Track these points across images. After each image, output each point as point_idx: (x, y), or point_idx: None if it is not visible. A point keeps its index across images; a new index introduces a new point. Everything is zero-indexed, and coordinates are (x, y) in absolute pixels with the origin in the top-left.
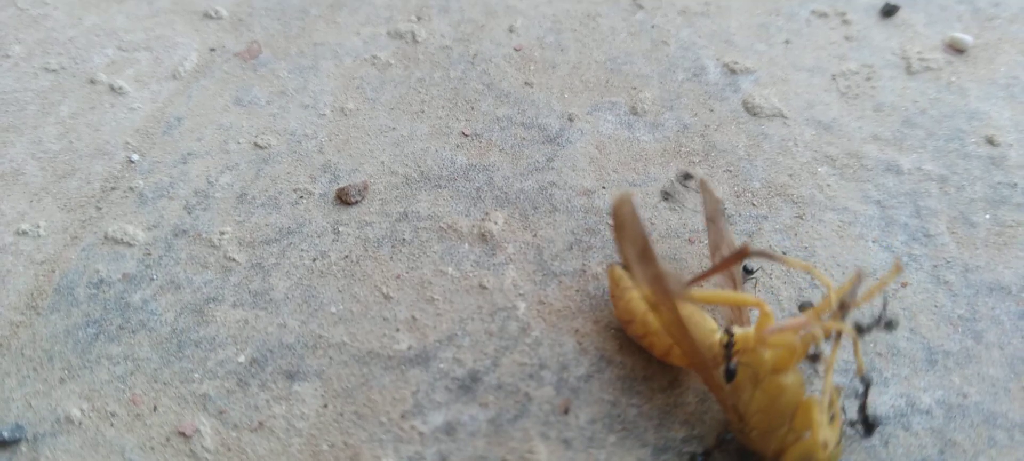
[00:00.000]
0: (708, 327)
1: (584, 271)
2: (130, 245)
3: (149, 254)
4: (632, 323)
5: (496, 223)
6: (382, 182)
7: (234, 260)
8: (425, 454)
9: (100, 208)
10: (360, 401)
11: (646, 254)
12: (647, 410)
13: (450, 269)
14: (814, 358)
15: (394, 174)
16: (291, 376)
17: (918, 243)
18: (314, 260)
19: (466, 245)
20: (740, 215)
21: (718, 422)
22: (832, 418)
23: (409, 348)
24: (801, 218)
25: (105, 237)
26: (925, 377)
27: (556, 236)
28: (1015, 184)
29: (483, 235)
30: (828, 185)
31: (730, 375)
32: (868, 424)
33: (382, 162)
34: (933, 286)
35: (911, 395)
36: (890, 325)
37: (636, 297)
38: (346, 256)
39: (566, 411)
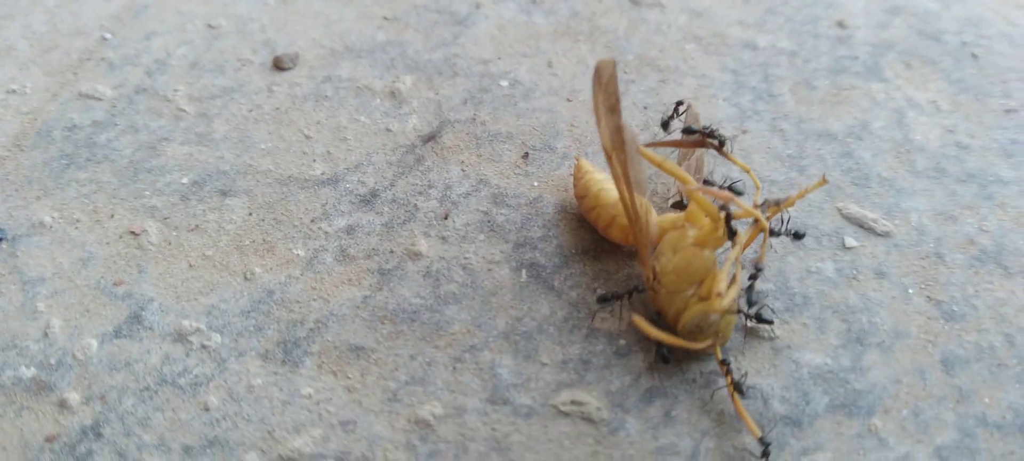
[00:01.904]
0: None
1: (474, 119)
2: (99, 100)
3: (114, 106)
4: (586, 198)
5: (405, 84)
6: (312, 53)
7: (184, 110)
8: (328, 247)
9: (76, 74)
10: (279, 211)
11: (614, 109)
12: (513, 217)
13: (363, 117)
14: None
15: (322, 48)
16: (224, 193)
17: (762, 101)
18: (250, 111)
19: (378, 100)
20: None
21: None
22: (733, 285)
23: (322, 173)
24: (664, 82)
25: (79, 94)
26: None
27: (454, 94)
28: (857, 57)
29: (393, 93)
30: (692, 58)
31: (732, 234)
32: (751, 301)
33: (313, 39)
34: (769, 133)
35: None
36: (797, 235)
37: (593, 179)
38: (277, 108)
39: (446, 217)
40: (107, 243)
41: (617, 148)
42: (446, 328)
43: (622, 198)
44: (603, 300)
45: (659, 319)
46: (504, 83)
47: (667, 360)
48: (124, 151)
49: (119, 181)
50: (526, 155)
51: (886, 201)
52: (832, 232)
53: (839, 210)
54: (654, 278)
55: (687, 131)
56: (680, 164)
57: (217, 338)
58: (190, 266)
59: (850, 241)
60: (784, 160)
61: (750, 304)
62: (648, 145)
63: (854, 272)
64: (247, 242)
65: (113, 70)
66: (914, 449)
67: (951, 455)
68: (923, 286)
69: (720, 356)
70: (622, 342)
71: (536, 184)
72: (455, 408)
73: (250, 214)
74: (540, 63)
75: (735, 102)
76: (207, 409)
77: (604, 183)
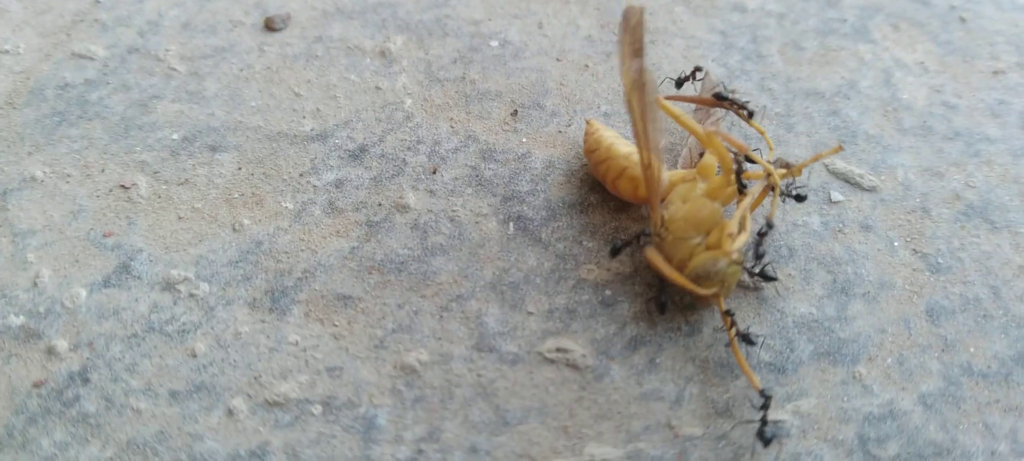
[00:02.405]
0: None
1: (463, 78)
2: (92, 59)
3: (107, 66)
4: (596, 152)
5: (395, 44)
6: (304, 14)
7: (175, 70)
8: (317, 199)
9: (69, 34)
10: (268, 165)
11: (638, 52)
12: (501, 172)
13: (353, 76)
14: (742, 188)
15: (314, 9)
16: (214, 149)
17: (751, 61)
18: (241, 70)
19: (368, 59)
20: (602, 40)
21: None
22: (742, 233)
23: (312, 129)
24: (653, 43)
25: (72, 54)
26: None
27: (444, 53)
28: (846, 20)
29: (383, 52)
30: (681, 19)
31: (742, 187)
32: (758, 255)
33: (306, 1)
34: (758, 92)
35: None
36: (800, 198)
37: (604, 136)
38: (267, 67)
39: (434, 172)
40: (97, 196)
41: (637, 89)
42: (433, 278)
43: (637, 141)
44: (615, 251)
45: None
46: (494, 43)
47: (663, 310)
48: (116, 108)
49: (110, 137)
50: (515, 112)
51: (873, 157)
52: (818, 187)
53: (826, 166)
54: (662, 225)
55: (718, 97)
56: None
57: (205, 287)
58: (179, 218)
59: (836, 195)
60: (772, 118)
61: (758, 257)
62: (668, 97)
63: (840, 225)
64: (236, 195)
65: (106, 31)
66: (898, 396)
67: (936, 402)
68: (909, 239)
69: (723, 307)
70: (608, 292)
71: (524, 140)
72: (441, 355)
73: (239, 168)
74: (530, 24)
75: (724, 62)
76: (194, 355)
77: (614, 140)
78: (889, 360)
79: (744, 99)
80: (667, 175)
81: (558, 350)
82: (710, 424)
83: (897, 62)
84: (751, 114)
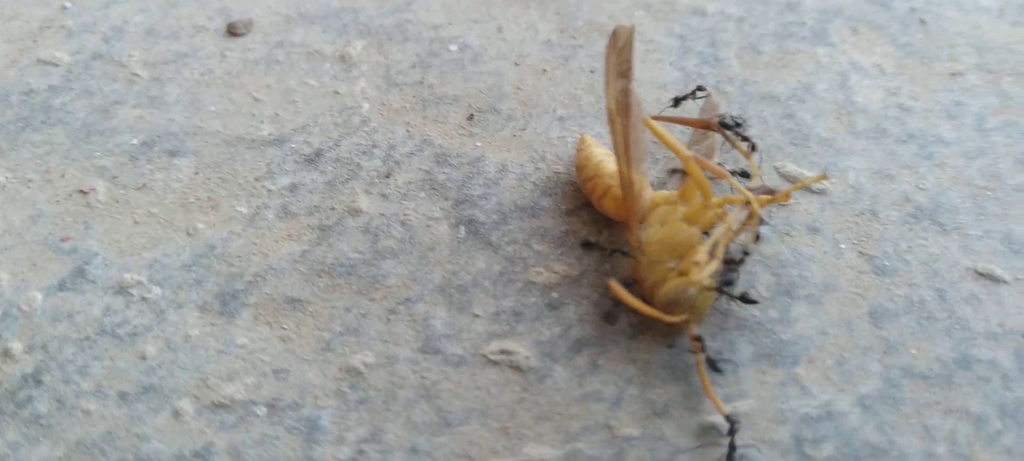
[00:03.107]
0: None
1: (421, 82)
2: (56, 66)
3: (71, 72)
4: (585, 168)
5: (356, 48)
6: (267, 20)
7: (138, 75)
8: (271, 204)
9: (36, 41)
10: (225, 170)
11: (625, 74)
12: (454, 176)
13: (312, 80)
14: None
15: (277, 14)
16: (173, 154)
17: (707, 65)
18: (202, 75)
19: (328, 64)
20: (561, 44)
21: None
22: (712, 260)
23: (269, 134)
24: None
25: (37, 60)
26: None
27: (404, 57)
28: (804, 23)
29: (343, 57)
30: (641, 24)
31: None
32: (727, 281)
33: (269, 6)
34: (714, 95)
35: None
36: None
37: (594, 153)
38: (228, 72)
39: (388, 176)
40: (57, 201)
41: (622, 112)
42: (382, 281)
43: (618, 161)
44: (587, 244)
45: (634, 287)
46: (453, 47)
47: (613, 321)
48: (78, 114)
49: (71, 142)
50: (471, 116)
51: (824, 160)
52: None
53: (776, 169)
54: (638, 245)
55: (723, 124)
56: (691, 147)
57: (157, 291)
58: (135, 223)
59: None
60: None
61: (725, 285)
62: (655, 117)
63: (787, 228)
64: (192, 199)
65: (71, 37)
66: (837, 397)
67: (874, 403)
68: (856, 241)
69: (694, 333)
70: (555, 295)
71: (479, 144)
72: (387, 358)
73: (197, 173)
74: (490, 29)
75: (681, 66)
76: (144, 358)
77: (604, 157)
78: (829, 362)
79: (743, 127)
80: (649, 196)
81: (502, 352)
82: (648, 425)
83: (854, 65)
84: (754, 147)
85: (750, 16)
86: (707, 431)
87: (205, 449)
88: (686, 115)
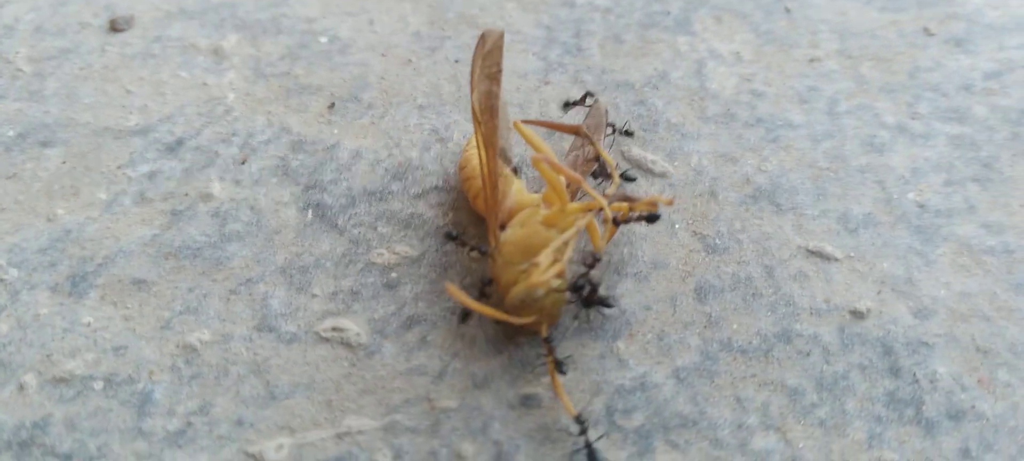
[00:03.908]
0: (514, 180)
1: (288, 73)
2: None
3: None
4: (464, 168)
5: (229, 42)
6: (149, 15)
7: (21, 70)
8: (128, 190)
9: None
10: (90, 159)
11: (492, 76)
12: (308, 162)
13: (183, 73)
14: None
15: (159, 10)
16: (44, 144)
17: (570, 55)
18: (81, 69)
19: (201, 57)
20: (429, 36)
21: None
22: (555, 263)
23: (136, 124)
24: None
25: None
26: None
27: (274, 50)
28: (669, 12)
29: (216, 50)
30: (510, 15)
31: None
32: (576, 287)
33: (152, 2)
34: (570, 84)
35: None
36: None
37: (474, 155)
38: (106, 66)
39: (244, 162)
40: None
41: (485, 113)
42: (226, 263)
43: (480, 162)
44: (450, 237)
45: (492, 287)
46: (324, 39)
47: (465, 319)
48: None
49: None
50: (332, 105)
51: (670, 144)
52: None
53: (622, 153)
54: (495, 244)
55: (578, 130)
56: (570, 153)
57: (14, 272)
58: (2, 210)
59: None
60: (582, 110)
61: (576, 289)
62: (525, 122)
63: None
64: (56, 187)
65: None
66: (652, 369)
67: (689, 376)
68: (691, 222)
69: (545, 334)
70: (393, 275)
71: (336, 132)
72: (223, 335)
73: (64, 162)
74: (362, 21)
75: (544, 56)
76: None
77: None
78: (649, 336)
79: (609, 133)
80: (514, 198)
81: (334, 329)
82: (466, 397)
83: (712, 53)
84: (597, 158)
85: (617, 6)
86: (524, 401)
87: (43, 420)
88: (557, 121)
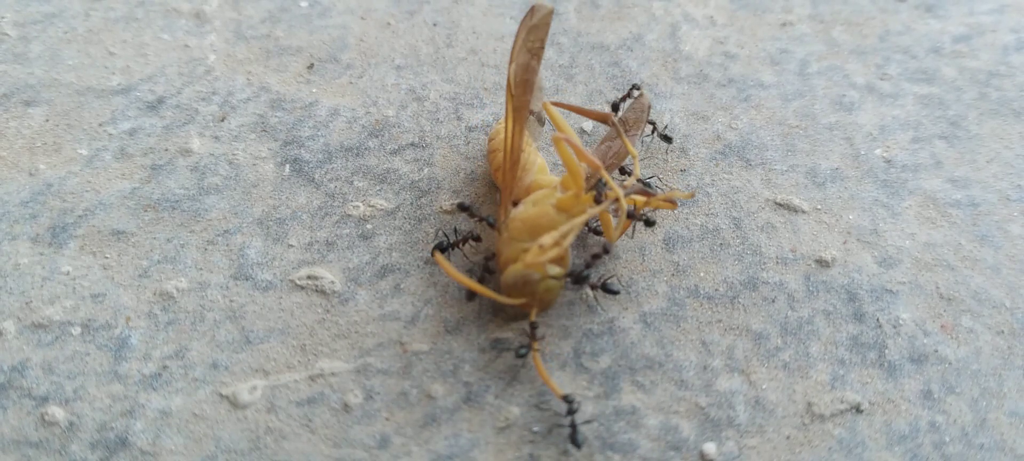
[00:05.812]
0: (538, 159)
1: (269, 35)
2: None
3: None
4: (493, 140)
5: (211, 5)
6: None
7: (7, 34)
8: (109, 146)
9: None
10: (73, 118)
11: (533, 52)
12: (286, 119)
13: (165, 35)
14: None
15: None
16: (28, 104)
17: None
18: (65, 32)
19: (183, 20)
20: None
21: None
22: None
23: (118, 84)
24: (457, 2)
25: None
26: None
27: (256, 13)
28: None
29: (198, 14)
30: None
31: (598, 199)
32: (577, 277)
33: None
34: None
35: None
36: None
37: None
38: (90, 29)
39: (223, 119)
40: None
41: (519, 87)
42: (204, 215)
43: (506, 133)
44: (462, 208)
45: (494, 260)
46: (304, 3)
47: (471, 298)
48: None
49: None
50: (311, 66)
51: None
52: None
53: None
54: (504, 218)
55: (608, 116)
56: (602, 143)
57: None
58: None
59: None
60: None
61: (577, 279)
62: (554, 104)
63: None
64: (39, 144)
65: None
66: (620, 315)
67: (656, 321)
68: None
69: (533, 318)
70: (369, 226)
71: (315, 91)
72: (199, 283)
73: (47, 120)
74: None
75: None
76: None
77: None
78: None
79: (648, 130)
80: (534, 177)
81: (309, 277)
82: (438, 341)
83: (686, 17)
84: (669, 139)
85: None
86: (494, 344)
87: (21, 364)
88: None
